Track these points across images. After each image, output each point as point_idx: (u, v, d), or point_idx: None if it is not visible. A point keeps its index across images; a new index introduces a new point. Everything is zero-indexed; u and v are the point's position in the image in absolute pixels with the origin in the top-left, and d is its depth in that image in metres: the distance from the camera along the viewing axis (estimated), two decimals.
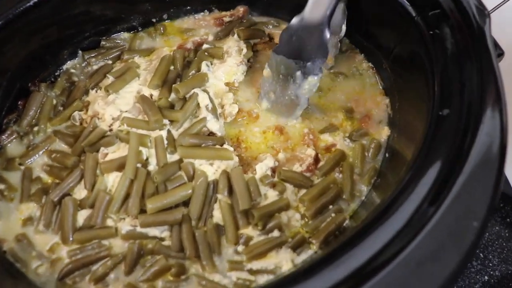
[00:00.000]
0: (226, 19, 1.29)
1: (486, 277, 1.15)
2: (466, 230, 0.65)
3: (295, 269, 0.82)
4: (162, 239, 0.97)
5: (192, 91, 1.09)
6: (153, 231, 0.97)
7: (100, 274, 0.92)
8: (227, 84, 1.15)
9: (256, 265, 0.91)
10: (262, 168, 1.03)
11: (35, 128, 1.14)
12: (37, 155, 1.10)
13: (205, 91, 1.10)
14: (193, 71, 1.13)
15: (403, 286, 0.62)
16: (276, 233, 0.95)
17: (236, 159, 1.05)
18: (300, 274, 0.65)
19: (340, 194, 1.00)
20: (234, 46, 1.20)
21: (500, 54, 0.95)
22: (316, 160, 1.05)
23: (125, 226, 0.97)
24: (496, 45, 0.94)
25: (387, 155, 1.03)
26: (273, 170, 1.04)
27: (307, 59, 1.02)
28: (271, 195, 1.00)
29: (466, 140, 0.73)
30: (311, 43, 1.01)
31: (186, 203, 0.98)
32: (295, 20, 1.03)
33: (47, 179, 1.08)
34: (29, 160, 1.09)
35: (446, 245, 0.65)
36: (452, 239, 0.65)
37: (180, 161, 1.03)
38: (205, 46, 1.22)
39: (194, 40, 1.25)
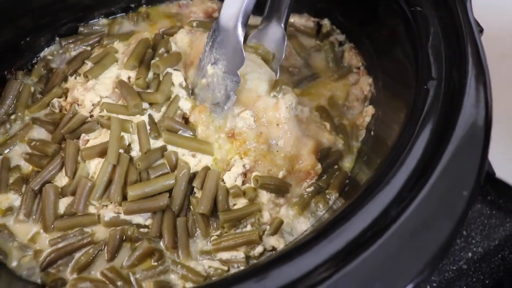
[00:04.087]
0: (216, 14, 1.27)
1: (469, 254, 1.17)
2: (456, 199, 0.66)
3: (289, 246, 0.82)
4: (145, 226, 0.96)
5: (166, 70, 1.07)
6: (137, 219, 0.96)
7: (83, 263, 0.91)
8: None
9: (225, 255, 0.92)
10: (230, 177, 1.00)
11: (12, 116, 1.12)
12: (15, 143, 1.08)
13: (176, 70, 1.09)
14: (162, 49, 1.12)
15: (398, 255, 0.62)
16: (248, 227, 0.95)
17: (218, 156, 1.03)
18: (295, 250, 0.65)
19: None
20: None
21: (480, 30, 0.96)
22: None
23: (108, 213, 0.95)
24: (476, 21, 0.95)
25: (372, 133, 1.04)
26: (245, 174, 1.01)
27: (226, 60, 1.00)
28: (241, 203, 0.99)
29: (452, 112, 0.74)
30: (227, 45, 0.98)
31: (169, 190, 0.98)
32: (214, 23, 1.00)
33: (27, 168, 1.06)
34: (7, 149, 1.07)
35: (438, 214, 0.65)
36: (444, 208, 0.66)
37: (163, 148, 1.01)
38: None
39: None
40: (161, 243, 0.94)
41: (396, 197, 0.66)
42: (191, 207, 0.98)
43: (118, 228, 0.94)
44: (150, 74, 1.08)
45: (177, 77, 1.07)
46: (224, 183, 0.99)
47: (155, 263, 0.91)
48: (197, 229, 0.96)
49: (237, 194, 0.97)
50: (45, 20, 1.19)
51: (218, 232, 0.95)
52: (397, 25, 0.94)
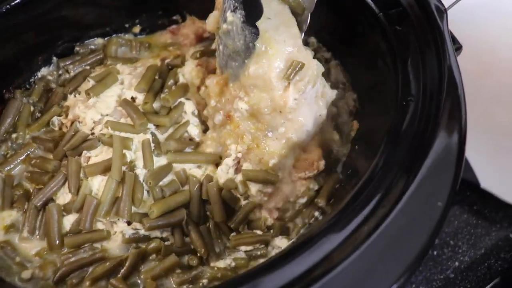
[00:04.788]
0: (206, 34, 1.30)
1: (456, 263, 1.21)
2: (432, 210, 0.70)
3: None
4: (163, 239, 1.01)
5: (178, 100, 1.12)
6: (155, 233, 1.01)
7: (98, 275, 0.94)
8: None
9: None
10: (223, 170, 1.04)
11: (14, 135, 1.15)
12: (16, 161, 1.11)
13: (188, 99, 1.14)
14: (172, 81, 1.16)
15: (374, 266, 0.66)
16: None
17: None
18: (274, 263, 0.69)
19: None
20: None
21: (459, 47, 1.01)
22: None
23: (128, 230, 1.00)
24: (454, 39, 1.00)
25: (356, 147, 1.08)
26: (237, 164, 1.05)
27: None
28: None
29: (429, 128, 0.78)
30: None
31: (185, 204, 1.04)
32: None
33: (29, 185, 1.08)
34: (8, 167, 1.10)
35: (414, 224, 0.70)
36: (420, 218, 0.70)
37: (169, 165, 1.06)
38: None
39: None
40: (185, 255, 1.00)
41: (373, 209, 0.71)
42: (208, 213, 1.04)
43: (133, 245, 1.00)
44: (156, 103, 1.13)
45: (190, 106, 1.12)
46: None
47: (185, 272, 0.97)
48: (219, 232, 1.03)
49: (229, 187, 1.02)
50: (45, 38, 1.22)
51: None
52: (379, 44, 0.98)
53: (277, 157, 1.01)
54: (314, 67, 0.99)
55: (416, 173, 0.72)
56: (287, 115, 0.98)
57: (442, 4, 0.95)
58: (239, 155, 1.03)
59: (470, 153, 1.35)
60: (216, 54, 1.04)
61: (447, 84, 0.83)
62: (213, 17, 1.02)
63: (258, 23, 0.93)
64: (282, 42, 0.95)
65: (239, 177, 1.03)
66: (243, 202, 1.03)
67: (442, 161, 0.75)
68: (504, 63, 1.55)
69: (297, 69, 0.95)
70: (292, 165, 1.05)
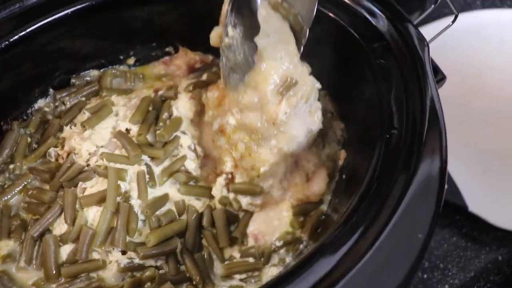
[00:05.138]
0: (197, 65, 1.34)
1: (446, 286, 1.23)
2: (412, 242, 0.73)
3: None
4: (158, 268, 1.03)
5: (174, 134, 1.15)
6: (150, 262, 1.03)
7: None
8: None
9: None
10: (217, 189, 1.10)
11: (11, 166, 1.17)
12: (13, 192, 1.13)
13: (184, 133, 1.17)
14: (166, 113, 1.19)
15: None
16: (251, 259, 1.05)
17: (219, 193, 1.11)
18: None
19: None
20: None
21: (442, 78, 1.05)
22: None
23: (123, 259, 1.02)
24: (438, 70, 1.04)
25: (344, 176, 1.11)
26: (229, 183, 1.10)
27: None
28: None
29: (411, 161, 0.81)
30: (243, 12, 0.98)
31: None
32: None
33: (26, 216, 1.11)
34: (5, 197, 1.12)
35: (395, 256, 0.72)
36: (401, 250, 0.73)
37: (166, 196, 1.09)
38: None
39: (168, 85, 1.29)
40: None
41: (356, 241, 0.73)
42: (203, 242, 1.07)
43: (131, 273, 1.02)
44: (150, 135, 1.15)
45: (186, 140, 1.15)
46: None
47: None
48: (213, 260, 1.06)
49: (225, 203, 1.08)
50: (42, 70, 1.25)
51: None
52: (364, 76, 1.02)
53: (268, 165, 1.05)
54: (309, 83, 1.05)
55: (398, 206, 0.75)
56: (279, 127, 1.03)
57: (424, 38, 0.99)
58: (231, 168, 1.08)
59: (458, 177, 1.38)
60: (220, 65, 1.07)
61: (429, 116, 0.86)
62: (215, 31, 1.05)
63: (257, 40, 0.97)
64: (279, 59, 1.00)
65: (232, 195, 1.09)
66: (241, 215, 1.09)
67: (423, 193, 0.77)
68: (490, 87, 1.58)
69: (291, 85, 1.01)
70: (284, 173, 1.10)
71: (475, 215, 1.32)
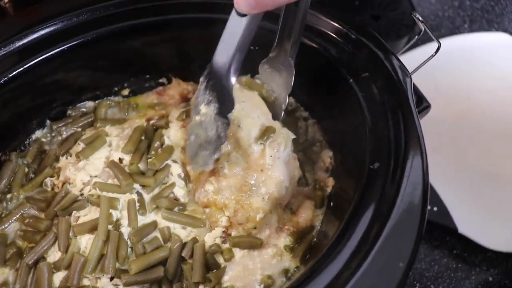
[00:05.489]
0: (190, 95, 1.36)
1: None
2: (394, 270, 0.75)
3: None
4: None
5: (165, 163, 1.18)
6: None
7: None
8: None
9: None
10: (210, 238, 1.10)
11: (8, 195, 1.20)
12: (10, 220, 1.16)
13: (175, 161, 1.19)
14: (158, 142, 1.22)
15: None
16: None
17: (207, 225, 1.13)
18: None
19: None
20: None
21: (427, 106, 1.08)
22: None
23: (108, 286, 1.04)
24: (422, 98, 1.07)
25: (331, 204, 1.13)
26: (227, 230, 1.11)
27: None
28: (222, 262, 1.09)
29: (393, 191, 0.84)
30: (218, 90, 1.05)
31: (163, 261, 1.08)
32: (208, 65, 1.06)
33: (22, 243, 1.14)
34: (2, 226, 1.15)
35: (377, 284, 0.74)
36: (382, 278, 0.75)
37: (154, 223, 1.12)
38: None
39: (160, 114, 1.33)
40: None
41: (340, 271, 0.76)
42: (184, 273, 1.07)
43: None
44: (142, 164, 1.18)
45: (176, 169, 1.18)
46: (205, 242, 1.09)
47: None
48: None
49: (215, 251, 1.08)
50: (41, 102, 1.28)
51: None
52: (350, 107, 1.05)
53: (263, 211, 1.08)
54: (284, 133, 1.14)
55: (378, 236, 0.77)
56: (267, 171, 1.08)
57: (407, 70, 1.03)
58: (227, 223, 1.10)
59: (448, 199, 1.40)
60: (186, 144, 1.15)
61: (411, 147, 0.89)
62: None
63: (234, 114, 1.05)
64: (256, 117, 1.12)
65: (225, 245, 1.09)
66: (223, 265, 1.07)
67: (405, 223, 0.80)
68: (479, 109, 1.61)
69: (270, 132, 1.10)
70: (277, 221, 1.12)
71: (465, 236, 1.34)
